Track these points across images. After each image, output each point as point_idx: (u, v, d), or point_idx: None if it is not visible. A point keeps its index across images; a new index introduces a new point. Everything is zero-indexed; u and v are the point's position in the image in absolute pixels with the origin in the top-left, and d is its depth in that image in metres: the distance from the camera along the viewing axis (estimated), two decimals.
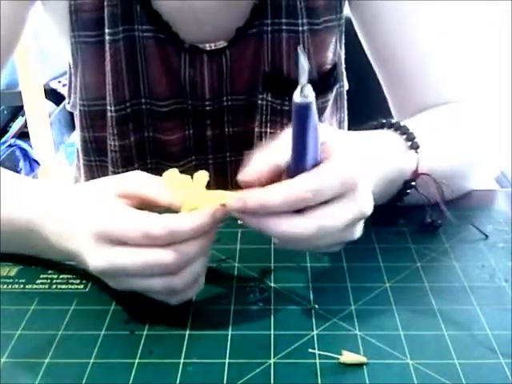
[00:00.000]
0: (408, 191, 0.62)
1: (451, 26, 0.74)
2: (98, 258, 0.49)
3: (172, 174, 0.52)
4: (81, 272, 0.53)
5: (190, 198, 0.51)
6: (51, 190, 0.57)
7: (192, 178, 0.52)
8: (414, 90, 0.75)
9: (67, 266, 0.57)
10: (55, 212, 0.54)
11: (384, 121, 0.63)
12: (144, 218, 0.48)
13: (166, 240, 0.47)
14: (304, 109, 0.44)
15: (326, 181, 0.46)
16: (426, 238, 0.62)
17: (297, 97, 0.44)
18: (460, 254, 0.59)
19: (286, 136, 0.48)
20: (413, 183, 0.61)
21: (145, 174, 0.53)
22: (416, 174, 0.61)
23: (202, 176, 0.52)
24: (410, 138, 0.61)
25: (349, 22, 0.79)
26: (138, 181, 0.52)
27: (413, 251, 0.60)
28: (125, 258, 0.48)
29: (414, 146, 0.61)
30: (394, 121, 0.62)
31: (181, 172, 0.52)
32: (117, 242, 0.48)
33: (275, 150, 0.50)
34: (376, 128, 0.63)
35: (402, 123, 0.62)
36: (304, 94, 0.44)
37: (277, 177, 0.49)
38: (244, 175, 0.49)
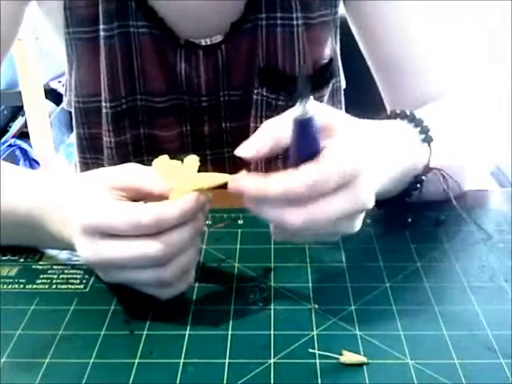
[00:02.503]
0: (418, 186, 0.60)
1: (444, 22, 0.74)
2: (88, 250, 0.49)
3: (162, 160, 0.52)
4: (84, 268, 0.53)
5: (180, 183, 0.50)
6: (50, 181, 0.58)
7: (182, 162, 0.51)
8: (402, 76, 0.75)
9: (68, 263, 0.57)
10: (53, 202, 0.55)
11: (398, 111, 0.61)
12: (132, 208, 0.49)
13: (155, 229, 0.48)
14: (305, 122, 0.44)
15: (325, 175, 0.45)
16: (426, 238, 0.62)
17: (298, 111, 0.44)
18: (460, 254, 0.59)
19: (287, 116, 0.47)
20: (423, 178, 0.60)
21: (138, 165, 0.53)
22: (428, 169, 0.59)
23: (193, 160, 0.51)
24: (424, 130, 0.59)
25: (344, 23, 0.79)
26: (131, 173, 0.52)
27: (413, 251, 0.60)
28: (113, 250, 0.48)
29: (428, 140, 0.59)
30: (408, 111, 0.60)
31: (172, 158, 0.52)
32: (106, 235, 0.48)
33: (277, 128, 0.49)
34: (389, 118, 0.61)
35: (416, 115, 0.60)
36: (305, 108, 0.44)
37: (274, 157, 0.49)
38: (242, 150, 0.48)
